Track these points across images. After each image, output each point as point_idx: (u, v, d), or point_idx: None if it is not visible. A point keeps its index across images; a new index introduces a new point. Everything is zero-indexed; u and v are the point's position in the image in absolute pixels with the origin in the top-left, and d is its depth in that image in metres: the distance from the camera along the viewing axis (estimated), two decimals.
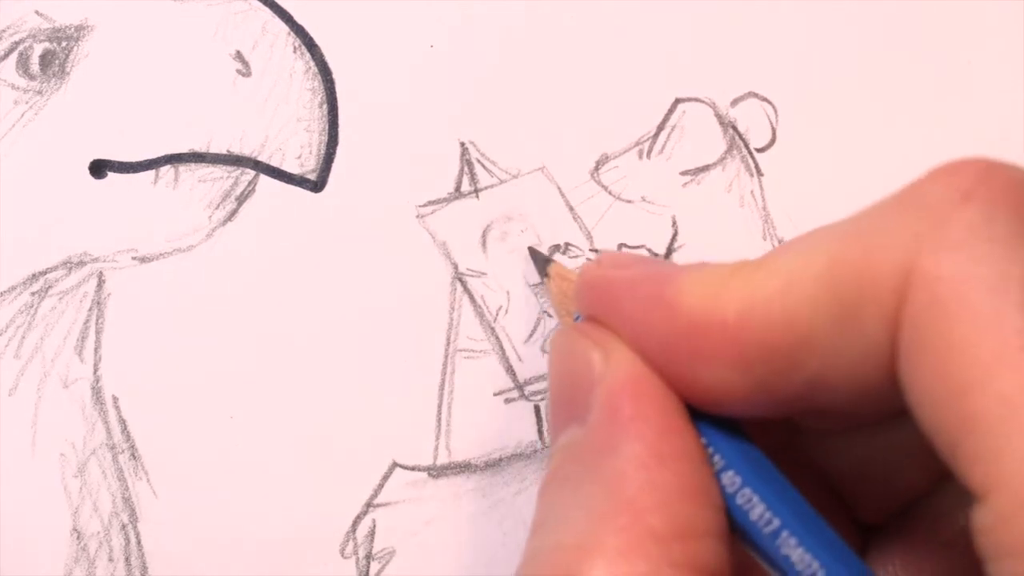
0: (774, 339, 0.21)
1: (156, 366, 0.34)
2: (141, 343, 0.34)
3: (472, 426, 0.34)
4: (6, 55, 0.36)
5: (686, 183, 0.36)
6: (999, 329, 0.18)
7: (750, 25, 0.37)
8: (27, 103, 0.36)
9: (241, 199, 0.35)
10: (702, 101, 0.37)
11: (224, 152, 0.35)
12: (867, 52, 0.37)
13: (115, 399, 0.34)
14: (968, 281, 0.19)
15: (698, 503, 0.22)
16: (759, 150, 0.36)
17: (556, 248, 0.35)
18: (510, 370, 0.34)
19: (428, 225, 0.35)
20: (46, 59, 0.36)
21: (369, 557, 0.33)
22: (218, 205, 0.35)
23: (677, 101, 0.36)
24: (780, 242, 0.35)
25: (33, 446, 0.33)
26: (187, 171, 0.35)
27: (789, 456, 0.25)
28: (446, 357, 0.34)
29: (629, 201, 0.36)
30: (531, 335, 0.34)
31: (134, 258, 0.35)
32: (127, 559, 0.33)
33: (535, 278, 0.34)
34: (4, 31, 0.36)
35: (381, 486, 0.33)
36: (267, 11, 0.36)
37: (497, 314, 0.34)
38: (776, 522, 0.22)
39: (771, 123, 0.37)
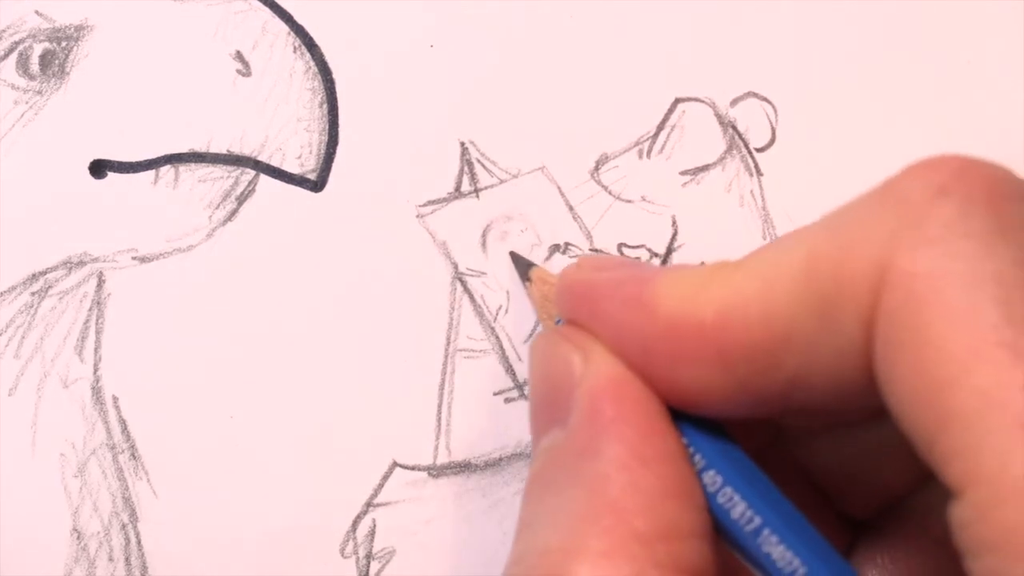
0: (753, 338, 0.21)
1: (156, 366, 0.34)
2: (141, 343, 0.34)
3: (472, 426, 0.34)
4: (6, 55, 0.36)
5: (686, 183, 0.36)
6: (975, 325, 0.18)
7: (750, 25, 0.37)
8: (27, 103, 0.36)
9: (241, 199, 0.35)
10: (702, 101, 0.37)
11: (224, 152, 0.35)
12: (867, 52, 0.37)
13: (115, 399, 0.34)
14: (944, 277, 0.19)
15: (681, 503, 0.22)
16: (759, 150, 0.36)
17: (556, 248, 0.35)
18: (510, 370, 0.34)
19: (428, 225, 0.35)
20: (46, 59, 0.36)
21: (369, 557, 0.33)
22: (218, 205, 0.35)
23: (677, 101, 0.37)
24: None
25: (33, 446, 0.33)
26: (187, 171, 0.35)
27: (773, 456, 0.25)
28: (446, 357, 0.34)
29: (629, 201, 0.36)
30: (531, 335, 0.34)
31: (134, 258, 0.35)
32: (127, 559, 0.33)
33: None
34: (4, 31, 0.36)
35: (381, 486, 0.33)
36: (267, 11, 0.36)
37: (497, 314, 0.34)
38: (757, 520, 0.22)
39: (771, 123, 0.37)
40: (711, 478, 0.23)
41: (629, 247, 0.35)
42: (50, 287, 0.34)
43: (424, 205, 0.35)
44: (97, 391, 0.34)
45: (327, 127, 0.36)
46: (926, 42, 0.37)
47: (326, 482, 0.33)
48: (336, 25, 0.37)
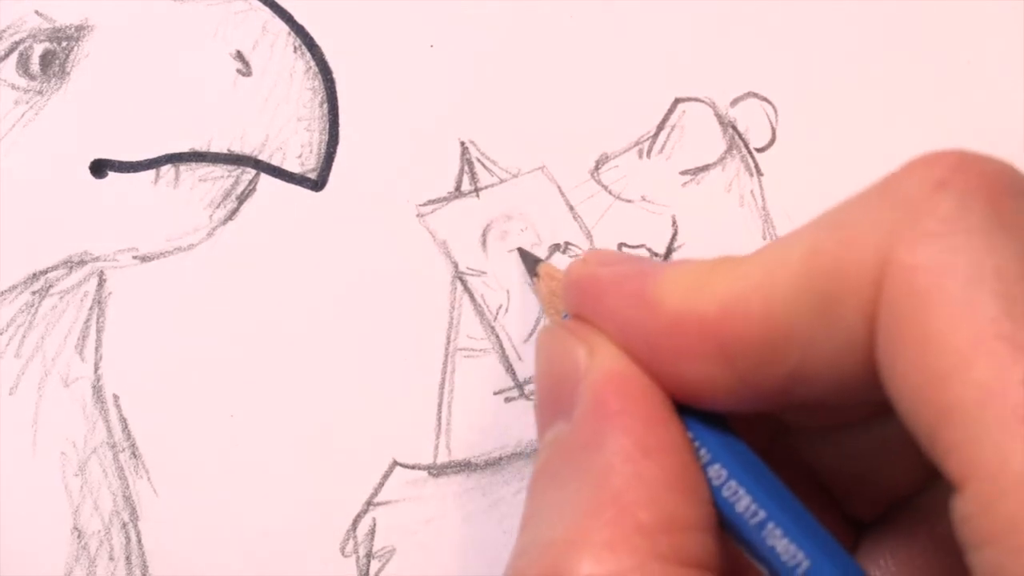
0: (754, 333, 0.21)
1: (157, 365, 0.34)
2: (142, 342, 0.34)
3: (472, 425, 0.34)
4: (6, 55, 0.36)
5: (686, 183, 0.36)
6: (975, 318, 0.18)
7: (750, 25, 0.37)
8: (27, 103, 0.36)
9: (242, 198, 0.35)
10: (702, 101, 0.37)
11: (225, 151, 0.35)
12: (867, 52, 0.37)
13: (116, 398, 0.34)
14: (944, 271, 0.19)
15: (685, 496, 0.22)
16: (759, 150, 0.36)
17: (556, 248, 0.35)
18: (510, 369, 0.34)
19: (428, 224, 0.35)
20: (46, 59, 0.36)
21: (369, 555, 0.33)
22: (219, 204, 0.35)
23: (677, 101, 0.37)
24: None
25: (34, 445, 0.33)
26: (188, 170, 0.35)
27: (778, 455, 0.25)
28: (446, 356, 0.34)
29: (629, 201, 0.36)
30: (531, 334, 0.34)
31: (135, 257, 0.35)
32: (128, 558, 0.33)
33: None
34: (4, 31, 0.36)
35: (381, 485, 0.33)
36: (267, 11, 0.36)
37: (497, 313, 0.34)
38: (762, 514, 0.22)
39: (771, 123, 0.37)
40: (716, 472, 0.23)
41: (629, 247, 0.35)
42: (51, 286, 0.34)
43: (424, 204, 0.35)
44: (98, 390, 0.34)
45: (327, 127, 0.36)
46: (926, 42, 0.37)
47: (326, 481, 0.33)
48: (336, 25, 0.37)
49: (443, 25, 0.37)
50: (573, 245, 0.35)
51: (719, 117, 0.37)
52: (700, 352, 0.22)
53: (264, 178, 0.35)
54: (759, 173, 0.36)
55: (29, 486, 0.33)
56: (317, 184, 0.35)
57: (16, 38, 0.36)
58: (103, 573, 0.32)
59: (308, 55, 0.36)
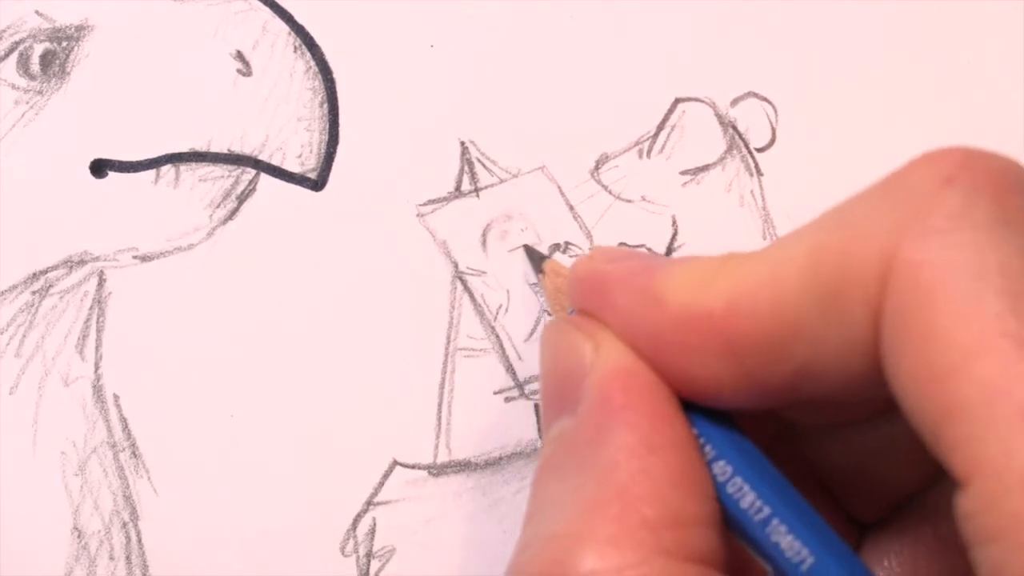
0: (760, 329, 0.21)
1: (157, 364, 0.34)
2: (142, 342, 0.34)
3: (472, 425, 0.34)
4: (6, 55, 0.36)
5: (686, 183, 0.36)
6: (980, 315, 0.18)
7: (750, 25, 0.37)
8: (27, 103, 0.36)
9: (242, 198, 0.35)
10: (702, 101, 0.37)
11: (225, 151, 0.35)
12: (867, 52, 0.37)
13: (116, 397, 0.34)
14: (949, 267, 0.19)
15: (689, 492, 0.22)
16: (759, 150, 0.36)
17: (556, 247, 0.35)
18: (510, 369, 0.34)
19: (428, 224, 0.35)
20: (46, 59, 0.36)
21: (369, 555, 0.33)
22: (219, 204, 0.35)
23: (677, 101, 0.37)
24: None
25: (34, 444, 0.33)
26: (188, 170, 0.35)
27: (782, 454, 0.25)
28: (446, 356, 0.34)
29: (629, 200, 0.36)
30: (531, 334, 0.34)
31: (135, 257, 0.35)
32: (128, 557, 0.33)
33: (535, 277, 0.34)
34: (4, 31, 0.36)
35: (381, 484, 0.33)
36: (267, 11, 0.36)
37: (497, 313, 0.34)
38: (767, 510, 0.22)
39: (771, 123, 0.37)
40: (721, 468, 0.23)
41: (629, 247, 0.35)
42: (51, 286, 0.34)
43: (424, 204, 0.35)
44: (98, 389, 0.34)
45: (327, 126, 0.36)
46: (926, 42, 0.37)
47: (326, 481, 0.33)
48: (336, 25, 0.37)
49: (443, 25, 0.37)
50: (573, 245, 0.35)
51: (719, 117, 0.37)
52: (706, 348, 0.22)
53: (264, 178, 0.35)
54: (759, 173, 0.36)
55: (29, 486, 0.33)
56: (317, 184, 0.35)
57: (16, 38, 0.36)
58: (103, 573, 0.32)
59: (308, 55, 0.36)
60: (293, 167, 0.35)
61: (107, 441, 0.33)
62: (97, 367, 0.34)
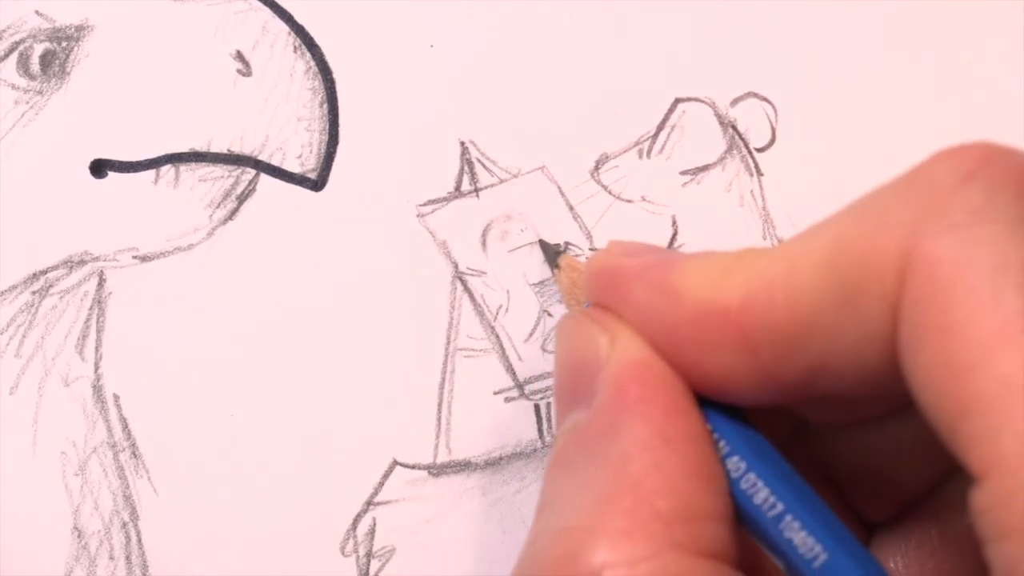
0: (777, 322, 0.21)
1: (157, 364, 0.34)
2: (142, 342, 0.34)
3: (472, 425, 0.34)
4: (6, 55, 0.36)
5: (686, 183, 0.36)
6: (999, 311, 0.18)
7: (750, 25, 0.37)
8: (27, 103, 0.36)
9: (242, 198, 0.35)
10: (702, 101, 0.37)
11: (225, 151, 0.35)
12: (867, 52, 0.37)
13: (116, 397, 0.34)
14: (969, 263, 0.19)
15: (704, 486, 0.22)
16: (759, 150, 0.36)
17: (556, 247, 0.35)
18: (510, 369, 0.34)
19: (428, 224, 0.35)
20: (46, 59, 0.36)
21: (369, 555, 0.33)
22: (219, 204, 0.35)
23: (677, 101, 0.37)
24: (779, 242, 0.35)
25: (34, 445, 0.33)
26: (188, 170, 0.35)
27: (794, 452, 0.25)
28: (446, 356, 0.34)
29: (629, 201, 0.36)
30: (531, 334, 0.34)
31: (135, 257, 0.35)
32: (128, 557, 0.33)
33: (535, 277, 0.34)
34: (4, 31, 0.36)
35: (381, 484, 0.33)
36: (267, 11, 0.36)
37: (497, 313, 0.34)
38: (780, 506, 0.22)
39: (771, 123, 0.37)
40: (735, 464, 0.23)
41: None
42: (51, 286, 0.34)
43: (424, 205, 0.35)
44: (98, 389, 0.34)
45: (327, 127, 0.36)
46: (926, 42, 0.37)
47: (326, 481, 0.33)
48: (336, 25, 0.37)
49: (443, 25, 0.37)
50: (573, 245, 0.35)
51: (719, 117, 0.37)
52: (722, 342, 0.22)
53: (264, 178, 0.35)
54: (759, 173, 0.36)
55: (29, 486, 0.33)
56: (317, 184, 0.35)
57: (16, 38, 0.36)
58: (103, 573, 0.32)
59: (308, 55, 0.36)
60: (293, 167, 0.35)
61: (107, 441, 0.33)
62: (97, 367, 0.34)
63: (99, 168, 0.35)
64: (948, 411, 0.19)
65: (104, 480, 0.33)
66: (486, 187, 0.35)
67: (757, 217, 0.36)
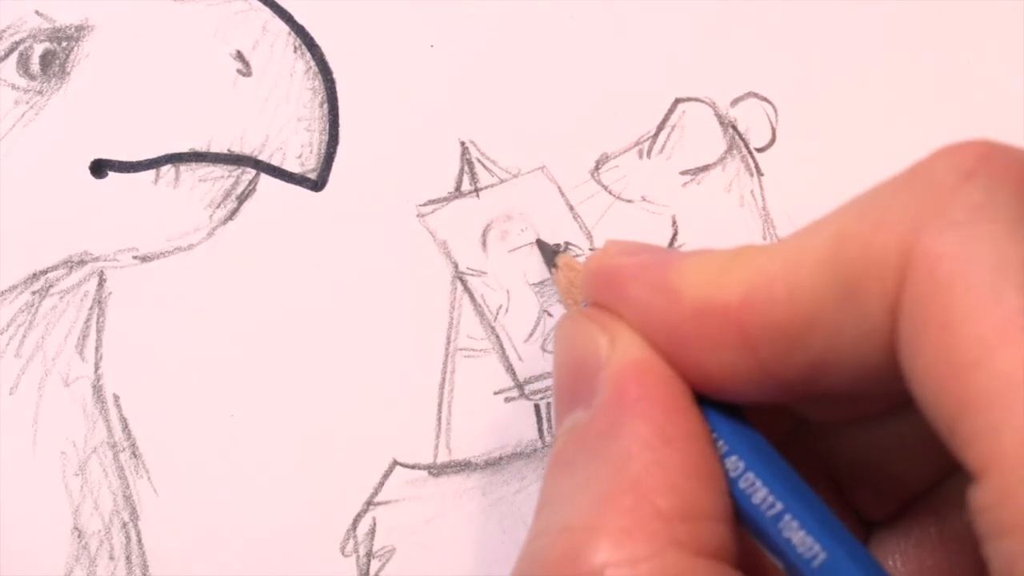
0: (776, 319, 0.21)
1: (157, 365, 0.34)
2: (142, 342, 0.34)
3: (472, 425, 0.34)
4: (6, 55, 0.36)
5: (686, 183, 0.36)
6: (999, 308, 0.18)
7: (750, 25, 0.37)
8: (27, 103, 0.36)
9: (242, 198, 0.35)
10: (702, 101, 0.37)
11: (225, 151, 0.35)
12: (867, 52, 0.37)
13: (116, 397, 0.34)
14: (969, 260, 0.19)
15: (704, 485, 0.22)
16: (759, 150, 0.36)
17: (556, 247, 0.35)
18: (510, 369, 0.34)
19: (428, 224, 0.35)
20: (46, 59, 0.36)
21: (369, 555, 0.33)
22: (219, 204, 0.35)
23: (677, 101, 0.37)
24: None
25: (34, 445, 0.33)
26: (188, 170, 0.35)
27: (792, 451, 0.25)
28: (446, 356, 0.34)
29: (629, 201, 0.36)
30: (531, 334, 0.34)
31: (135, 257, 0.35)
32: (128, 557, 0.33)
33: (535, 277, 0.34)
34: (4, 31, 0.36)
35: (381, 484, 0.33)
36: (267, 11, 0.36)
37: (497, 313, 0.34)
38: (779, 506, 0.22)
39: (771, 123, 0.37)
40: (733, 463, 0.23)
41: None
42: (51, 286, 0.34)
43: (424, 205, 0.35)
44: (98, 390, 0.34)
45: (327, 127, 0.36)
46: (926, 42, 0.37)
47: (326, 481, 0.33)
48: (336, 25, 0.37)
49: (443, 25, 0.37)
50: (573, 245, 0.35)
51: (719, 117, 0.37)
52: (722, 340, 0.22)
53: (264, 178, 0.35)
54: (759, 173, 0.36)
55: (29, 486, 0.33)
56: (317, 184, 0.35)
57: (16, 38, 0.36)
58: (103, 573, 0.32)
59: (308, 55, 0.36)
60: (293, 167, 0.35)
61: (107, 441, 0.33)
62: (97, 367, 0.34)
63: (99, 168, 0.35)
64: (947, 408, 0.19)
65: (104, 480, 0.33)
66: (486, 187, 0.35)
67: (757, 217, 0.36)
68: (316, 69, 0.36)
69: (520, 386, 0.34)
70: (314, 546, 0.33)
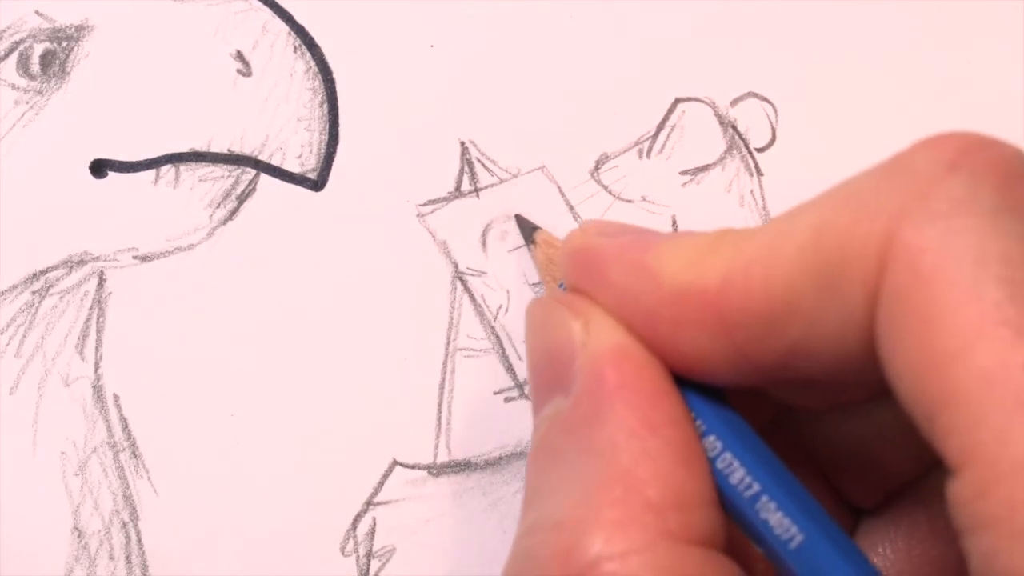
0: (755, 305, 0.21)
1: (157, 364, 0.34)
2: (142, 342, 0.34)
3: (472, 425, 0.34)
4: (6, 55, 0.36)
5: (686, 183, 0.36)
6: (978, 302, 0.18)
7: (750, 25, 0.37)
8: (27, 103, 0.36)
9: (242, 198, 0.35)
10: (702, 101, 0.37)
11: (225, 151, 0.35)
12: (867, 52, 0.37)
13: (116, 397, 0.34)
14: (949, 253, 0.19)
15: (691, 471, 0.21)
16: (759, 150, 0.36)
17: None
18: (510, 369, 0.34)
19: (428, 224, 0.35)
20: (46, 59, 0.36)
21: (369, 555, 0.33)
22: (219, 204, 0.35)
23: (677, 101, 0.37)
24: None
25: (34, 445, 0.33)
26: (188, 170, 0.35)
27: (778, 438, 0.25)
28: (446, 356, 0.34)
29: (629, 201, 0.36)
30: None
31: (135, 257, 0.35)
32: (128, 557, 0.33)
33: (535, 277, 0.34)
34: (4, 31, 0.36)
35: (381, 484, 0.33)
36: (267, 11, 0.36)
37: (497, 313, 0.34)
38: (756, 487, 0.22)
39: (771, 123, 0.37)
40: (711, 443, 0.22)
41: None
42: (51, 286, 0.34)
43: (424, 204, 0.35)
44: (98, 389, 0.34)
45: (327, 127, 0.36)
46: (926, 42, 0.37)
47: (326, 480, 0.33)
48: (336, 25, 0.37)
49: (443, 25, 0.37)
50: None
51: (719, 117, 0.37)
52: (700, 323, 0.22)
53: (264, 178, 0.35)
54: (759, 173, 0.36)
55: (29, 486, 0.33)
56: (317, 184, 0.35)
57: (16, 38, 0.36)
58: (103, 573, 0.32)
59: (308, 55, 0.36)
60: (293, 167, 0.35)
61: (107, 441, 0.33)
62: (97, 367, 0.34)
63: (99, 168, 0.35)
64: (926, 401, 0.19)
65: (104, 480, 0.33)
66: (486, 187, 0.35)
67: (757, 217, 0.36)
68: (316, 69, 0.36)
69: (520, 386, 0.34)
70: (314, 546, 0.33)
